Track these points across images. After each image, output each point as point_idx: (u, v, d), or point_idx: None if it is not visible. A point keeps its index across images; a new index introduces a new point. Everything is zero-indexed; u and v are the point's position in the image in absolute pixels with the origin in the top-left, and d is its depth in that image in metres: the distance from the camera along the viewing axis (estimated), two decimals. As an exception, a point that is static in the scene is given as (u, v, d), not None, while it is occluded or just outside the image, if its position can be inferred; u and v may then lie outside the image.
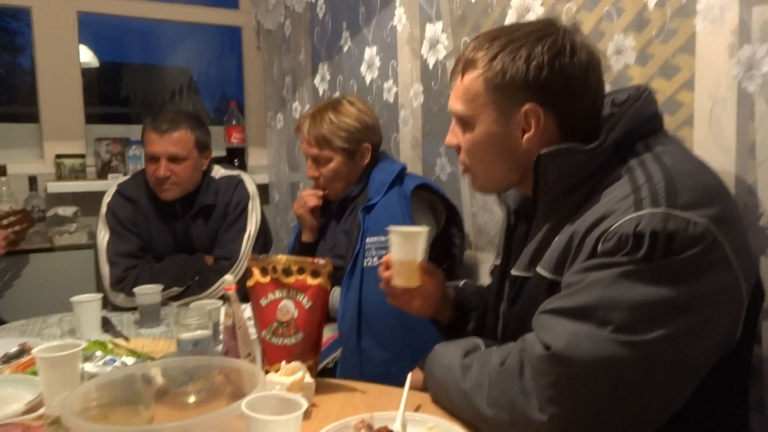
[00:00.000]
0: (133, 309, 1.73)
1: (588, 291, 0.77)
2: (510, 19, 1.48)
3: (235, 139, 2.82)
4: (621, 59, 1.22)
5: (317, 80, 2.36)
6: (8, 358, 1.31)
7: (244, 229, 1.92)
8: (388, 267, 1.09)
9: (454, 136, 1.01)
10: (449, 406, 0.94)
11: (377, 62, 2.01)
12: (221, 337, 1.26)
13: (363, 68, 2.07)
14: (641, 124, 0.88)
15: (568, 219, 0.88)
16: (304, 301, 1.07)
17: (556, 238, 0.89)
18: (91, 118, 2.76)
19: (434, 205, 1.61)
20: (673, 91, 1.15)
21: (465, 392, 0.85)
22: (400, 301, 1.13)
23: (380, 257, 1.50)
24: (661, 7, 1.14)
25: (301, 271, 1.08)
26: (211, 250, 1.94)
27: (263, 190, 2.58)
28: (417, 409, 0.97)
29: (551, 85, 0.89)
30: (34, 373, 1.17)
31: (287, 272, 1.08)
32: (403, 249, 1.05)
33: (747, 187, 1.01)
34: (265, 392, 0.83)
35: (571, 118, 0.91)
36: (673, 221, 0.74)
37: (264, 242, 1.98)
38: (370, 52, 2.03)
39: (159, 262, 1.90)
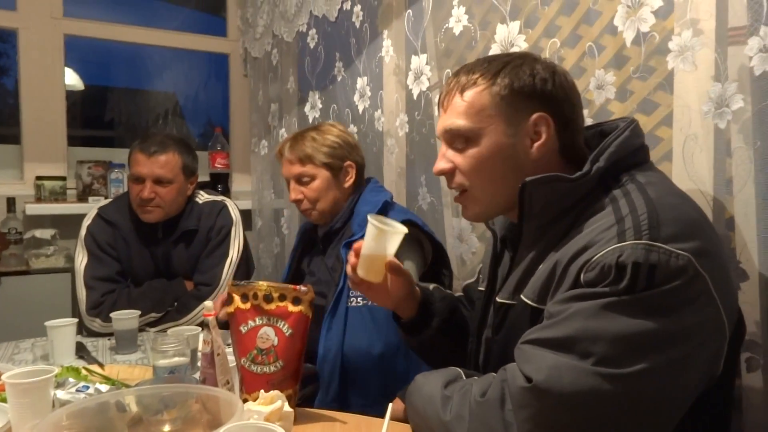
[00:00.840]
0: (110, 335, 1.70)
1: (570, 322, 0.77)
2: (493, 53, 1.51)
3: (219, 165, 2.81)
4: (602, 94, 1.25)
5: (307, 108, 2.38)
6: (-22, 384, 1.27)
7: (226, 255, 1.90)
8: (356, 254, 1.07)
9: (447, 160, 0.98)
10: (430, 438, 0.92)
11: (368, 92, 2.04)
12: (199, 364, 1.24)
13: (356, 97, 2.09)
14: (627, 156, 0.90)
15: (552, 247, 0.89)
16: (285, 328, 1.06)
17: (541, 266, 0.89)
18: (74, 141, 2.74)
19: (421, 241, 1.57)
20: (653, 126, 1.18)
21: (445, 423, 0.84)
22: (360, 290, 1.11)
23: (365, 298, 1.46)
24: (637, 45, 1.18)
25: (282, 298, 1.07)
26: (192, 275, 1.91)
27: (246, 216, 2.56)
28: (397, 440, 0.95)
29: (556, 95, 0.92)
30: (3, 400, 1.13)
31: (268, 299, 1.07)
32: (374, 243, 1.03)
33: (723, 221, 1.02)
34: (243, 422, 0.81)
35: (571, 131, 0.95)
36: (655, 253, 0.75)
37: (246, 269, 1.95)
38: (362, 81, 2.06)
39: (138, 286, 1.86)
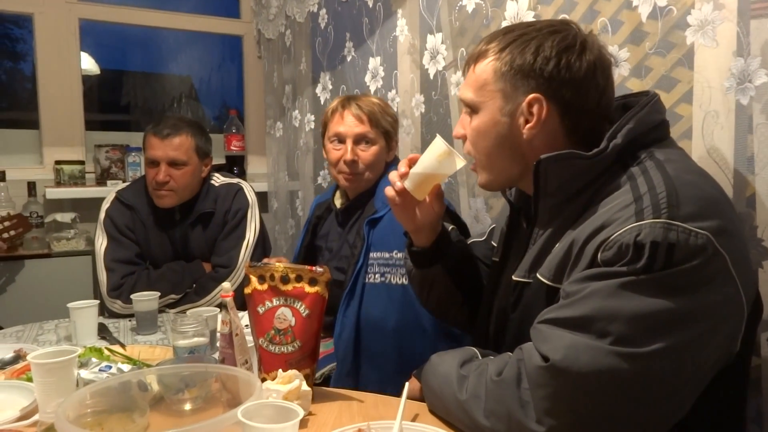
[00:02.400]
0: (130, 316, 1.73)
1: (587, 301, 0.77)
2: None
3: (234, 147, 2.82)
4: (616, 71, 1.23)
5: (318, 89, 2.37)
6: (3, 364, 1.31)
7: (243, 237, 1.91)
8: (410, 164, 1.06)
9: (462, 127, 1.01)
10: (446, 416, 0.93)
11: (381, 72, 2.02)
12: (218, 344, 1.25)
13: (367, 78, 2.08)
14: (646, 132, 0.88)
15: (568, 225, 0.88)
16: (302, 309, 1.07)
17: (557, 244, 0.89)
18: (91, 125, 2.76)
19: (443, 220, 1.57)
20: (672, 103, 1.16)
21: (462, 402, 0.85)
22: (394, 202, 1.10)
23: (383, 275, 1.46)
24: (655, 20, 1.15)
25: (298, 278, 1.07)
26: (209, 257, 1.93)
27: (262, 198, 2.58)
28: (414, 418, 0.96)
29: (557, 77, 0.90)
30: (29, 380, 1.16)
31: (285, 280, 1.08)
32: (437, 162, 1.02)
33: (744, 199, 1.01)
34: (262, 400, 0.83)
35: (575, 114, 0.92)
36: (674, 232, 0.74)
37: (263, 250, 1.97)
38: (374, 62, 2.04)
39: (157, 269, 1.89)
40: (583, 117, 0.92)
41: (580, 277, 0.81)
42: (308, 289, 1.07)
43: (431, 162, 1.02)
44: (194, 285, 1.86)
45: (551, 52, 0.89)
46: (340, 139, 1.60)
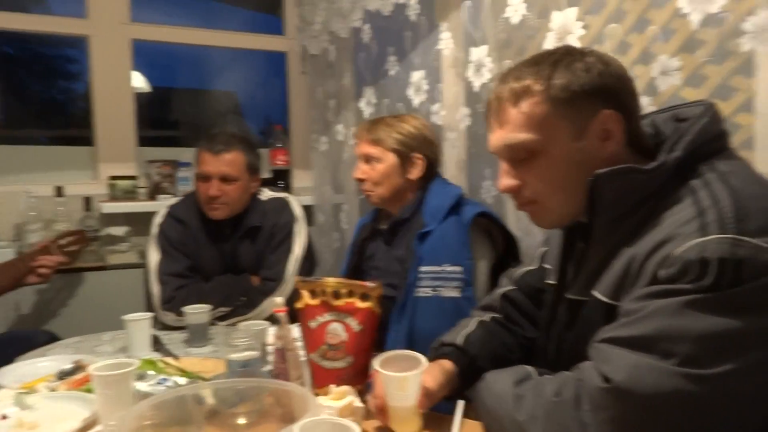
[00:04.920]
0: (182, 328, 1.76)
1: (650, 320, 0.75)
2: (550, 42, 1.48)
3: (279, 161, 2.86)
4: (667, 80, 1.20)
5: (362, 104, 2.39)
6: (63, 375, 1.34)
7: (290, 250, 1.94)
8: (381, 410, 1.00)
9: (512, 177, 0.94)
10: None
11: (424, 85, 2.03)
12: (270, 358, 1.27)
13: (410, 91, 2.08)
14: (706, 143, 0.85)
15: (626, 242, 0.86)
16: (354, 324, 1.07)
17: (614, 261, 0.86)
18: (142, 141, 2.85)
19: (492, 233, 1.56)
20: (730, 112, 1.12)
21: (519, 423, 0.83)
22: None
23: (434, 288, 1.47)
24: (709, 27, 1.12)
25: (350, 294, 1.08)
26: (258, 270, 1.97)
27: (307, 211, 2.60)
28: (468, 437, 0.95)
29: (616, 88, 0.88)
30: (89, 390, 1.20)
31: (336, 295, 1.09)
32: (397, 393, 0.97)
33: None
34: (317, 417, 0.83)
35: (634, 121, 0.91)
36: (742, 248, 0.71)
37: (310, 264, 1.99)
38: (418, 75, 2.05)
39: (207, 282, 1.93)
40: (637, 123, 0.92)
41: (641, 294, 0.78)
42: (360, 304, 1.07)
43: (394, 395, 0.97)
44: (243, 298, 1.89)
45: (598, 67, 0.88)
46: (360, 160, 1.70)
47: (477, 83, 1.78)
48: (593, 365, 0.78)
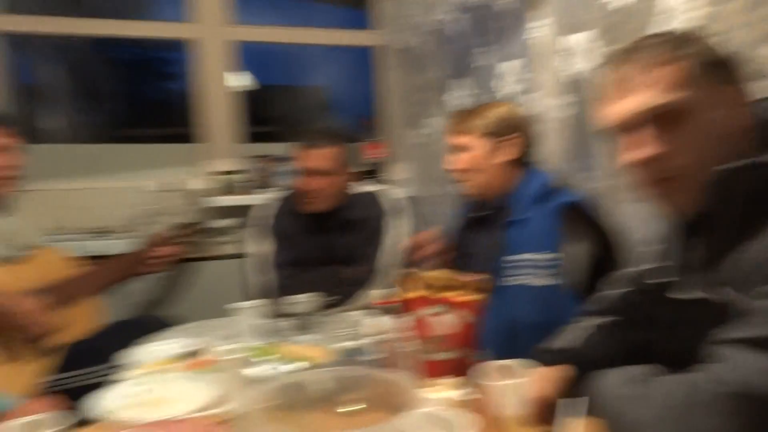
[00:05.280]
0: (288, 316, 1.84)
1: None
2: (656, 26, 1.41)
3: (373, 155, 2.91)
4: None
5: (451, 96, 2.38)
6: (185, 356, 1.44)
7: (384, 243, 1.97)
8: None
9: (651, 144, 0.86)
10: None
11: (517, 75, 1.99)
12: (373, 349, 1.30)
13: (502, 82, 2.05)
14: None
15: (748, 236, 0.81)
16: (459, 316, 1.08)
17: (734, 256, 0.82)
18: (243, 137, 3.00)
19: (586, 223, 1.52)
20: None
21: (641, 425, 0.81)
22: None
23: (524, 277, 1.46)
24: None
25: (455, 286, 1.09)
26: (355, 263, 2.02)
27: (400, 203, 2.63)
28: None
29: (735, 66, 0.86)
30: (210, 372, 1.29)
31: (441, 287, 1.10)
32: (501, 402, 0.96)
33: None
34: (427, 408, 0.85)
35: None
36: None
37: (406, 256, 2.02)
38: (509, 65, 2.02)
39: (307, 273, 2.00)
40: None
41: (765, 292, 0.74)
42: (465, 296, 1.08)
43: (498, 403, 0.96)
44: (341, 289, 1.95)
45: (714, 44, 0.86)
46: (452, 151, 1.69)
47: (573, 70, 1.73)
48: (720, 368, 0.75)
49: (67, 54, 4.42)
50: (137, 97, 5.56)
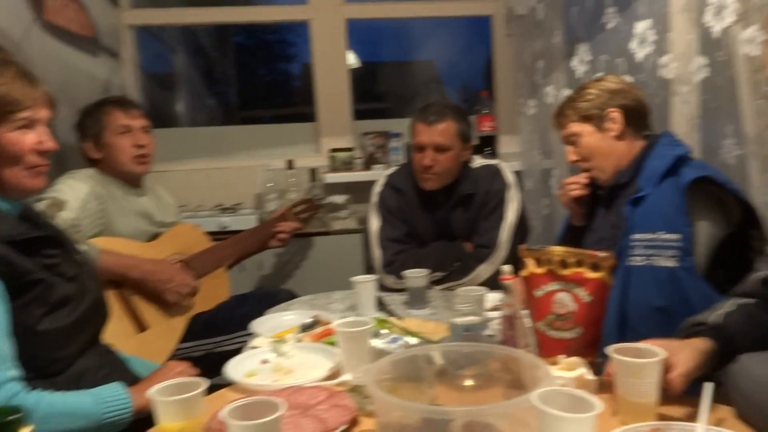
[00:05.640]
0: (401, 290, 1.87)
1: None
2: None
3: (486, 128, 2.85)
4: None
5: (575, 62, 2.26)
6: (305, 328, 1.51)
7: (503, 218, 1.93)
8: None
9: None
10: (764, 426, 0.82)
11: (650, 36, 1.84)
12: (491, 324, 1.29)
13: (633, 44, 1.91)
14: None
15: None
16: (583, 294, 1.04)
17: None
18: (355, 115, 3.05)
19: (724, 200, 1.39)
20: None
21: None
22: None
23: (648, 257, 1.37)
24: None
25: (579, 263, 1.05)
26: (471, 237, 2.00)
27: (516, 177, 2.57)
28: (719, 423, 0.87)
29: None
30: (330, 343, 1.34)
31: (564, 264, 1.06)
32: (631, 382, 0.91)
33: None
34: (555, 387, 0.82)
35: None
36: None
37: (523, 231, 1.97)
38: (642, 25, 1.86)
39: (423, 248, 2.01)
40: None
41: None
42: (590, 274, 1.03)
43: (628, 383, 0.92)
44: (457, 264, 1.94)
45: None
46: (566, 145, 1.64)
47: (717, 28, 1.57)
48: None
49: (190, 42, 4.71)
50: (256, 80, 5.82)
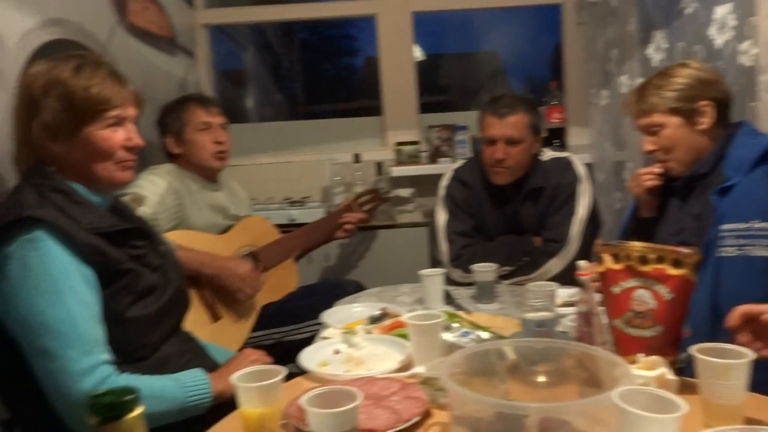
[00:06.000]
0: (468, 284, 1.86)
1: None
2: None
3: (554, 119, 2.78)
4: None
5: (651, 50, 2.17)
6: (374, 320, 1.53)
7: (574, 211, 1.89)
8: None
9: None
10: None
11: (731, 21, 1.75)
12: (567, 321, 1.27)
13: (712, 30, 1.82)
14: None
15: None
16: (664, 292, 1.00)
17: None
18: (420, 108, 3.05)
19: None
20: None
21: None
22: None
23: (740, 247, 1.31)
24: None
25: (659, 259, 1.01)
26: (540, 231, 1.96)
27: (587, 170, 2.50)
28: (814, 429, 0.82)
29: None
30: (400, 335, 1.35)
31: (643, 260, 1.02)
32: (716, 384, 0.88)
33: None
34: (636, 386, 0.80)
35: None
36: None
37: (594, 226, 1.92)
38: (723, 10, 1.77)
39: (490, 242, 1.99)
40: None
41: None
42: (671, 271, 1.00)
43: (712, 385, 0.89)
44: (526, 258, 1.91)
45: None
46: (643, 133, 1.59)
47: (810, 9, 1.47)
48: None
49: (259, 39, 4.83)
50: (320, 75, 5.90)
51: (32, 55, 1.52)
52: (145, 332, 1.22)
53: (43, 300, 1.06)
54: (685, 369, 1.35)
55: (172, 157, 2.03)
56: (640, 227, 1.64)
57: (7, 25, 1.45)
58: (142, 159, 1.95)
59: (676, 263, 0.99)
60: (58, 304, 1.06)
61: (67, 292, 1.07)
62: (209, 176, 2.05)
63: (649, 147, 1.56)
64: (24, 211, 1.08)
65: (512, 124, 1.88)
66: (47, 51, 1.56)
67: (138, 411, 0.60)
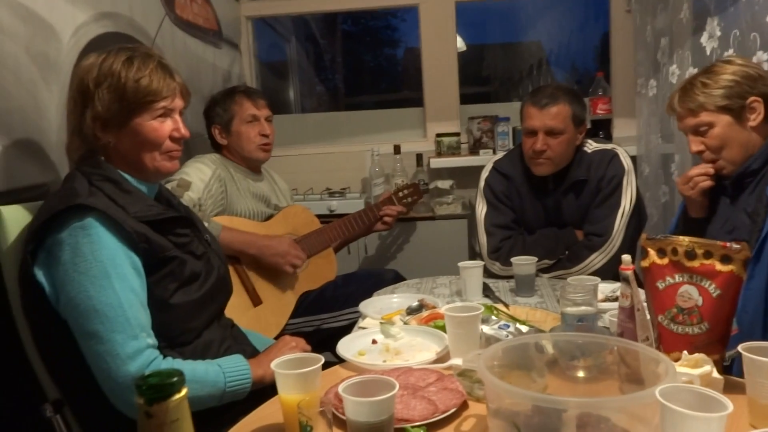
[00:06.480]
0: (507, 277, 1.84)
1: None
2: None
3: (600, 111, 2.72)
4: None
5: (704, 38, 2.09)
6: (411, 311, 1.53)
7: (618, 205, 1.84)
8: None
9: None
10: None
11: (792, 7, 1.67)
12: (609, 316, 1.25)
13: (772, 15, 1.74)
14: None
15: None
16: (711, 288, 0.97)
17: None
18: (461, 99, 3.02)
19: None
20: None
21: None
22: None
23: None
24: None
25: (707, 255, 0.98)
26: (582, 225, 1.92)
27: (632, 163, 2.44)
28: None
29: None
30: (437, 327, 1.35)
31: (690, 255, 0.99)
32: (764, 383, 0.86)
33: None
34: (680, 384, 0.78)
35: None
36: None
37: (638, 220, 1.87)
38: (784, -5, 1.70)
39: (531, 235, 1.97)
40: None
41: None
42: (720, 267, 0.96)
43: (759, 384, 0.87)
44: (567, 252, 1.88)
45: None
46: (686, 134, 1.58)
47: None
48: None
49: (301, 31, 4.86)
50: (361, 65, 5.90)
51: (85, 48, 1.58)
52: (188, 318, 1.26)
53: (92, 285, 1.10)
54: (731, 367, 1.32)
55: (217, 147, 2.08)
56: (690, 227, 1.60)
57: (61, 19, 1.51)
58: (187, 149, 2.01)
59: (725, 259, 0.96)
60: (107, 289, 1.10)
61: (115, 278, 1.11)
62: (253, 167, 2.09)
63: (698, 147, 1.52)
64: (76, 199, 1.13)
65: (553, 114, 1.85)
66: (99, 44, 1.62)
67: (183, 393, 0.62)
